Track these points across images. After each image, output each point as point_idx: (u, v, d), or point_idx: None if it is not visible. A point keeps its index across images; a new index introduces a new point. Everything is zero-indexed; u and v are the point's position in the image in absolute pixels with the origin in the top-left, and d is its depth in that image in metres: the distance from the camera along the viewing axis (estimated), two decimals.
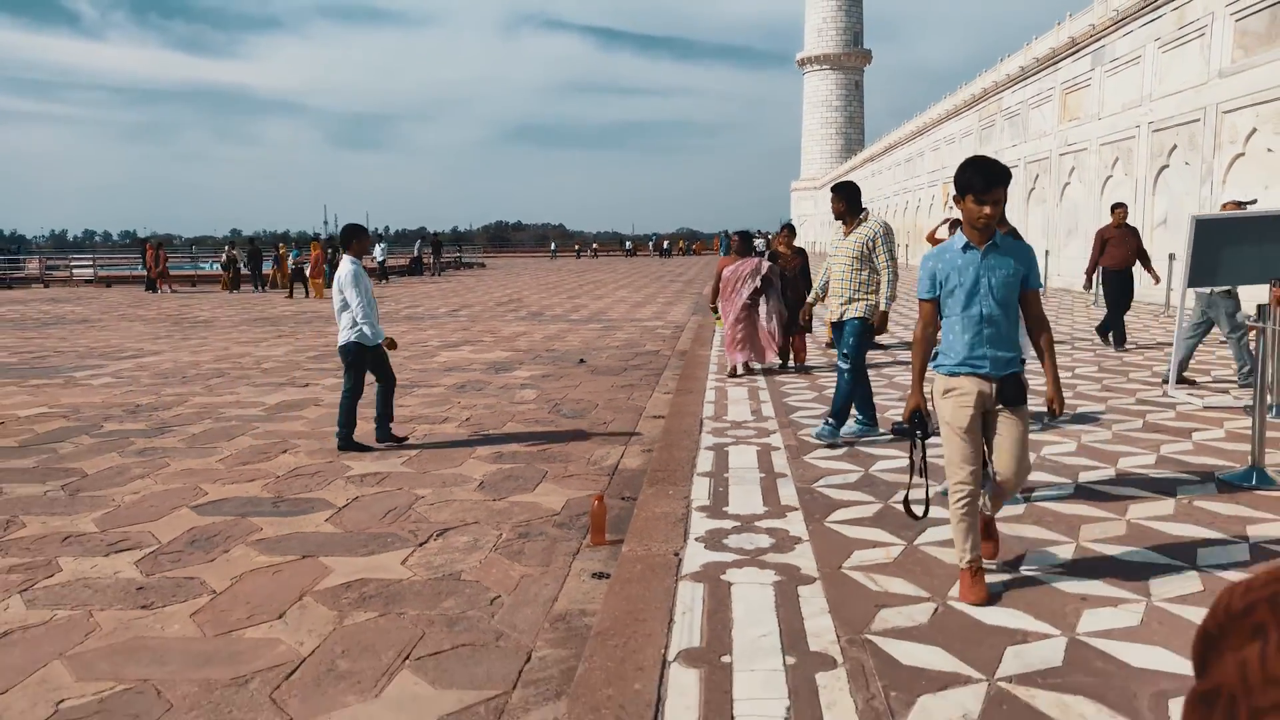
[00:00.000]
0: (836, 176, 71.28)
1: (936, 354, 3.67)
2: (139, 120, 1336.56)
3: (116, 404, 9.01)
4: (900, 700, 2.76)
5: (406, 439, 7.09)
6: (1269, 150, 13.57)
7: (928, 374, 3.74)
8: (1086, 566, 3.92)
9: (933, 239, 11.30)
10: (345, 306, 6.69)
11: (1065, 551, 4.11)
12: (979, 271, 3.48)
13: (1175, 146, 16.57)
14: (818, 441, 6.21)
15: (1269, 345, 5.38)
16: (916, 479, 3.73)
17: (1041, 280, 5.20)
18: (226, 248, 32.77)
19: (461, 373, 10.96)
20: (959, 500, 3.52)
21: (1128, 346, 11.10)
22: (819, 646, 3.13)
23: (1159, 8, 17.05)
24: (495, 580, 4.25)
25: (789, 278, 10.13)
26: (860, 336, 6.36)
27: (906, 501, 3.82)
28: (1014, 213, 25.20)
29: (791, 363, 10.13)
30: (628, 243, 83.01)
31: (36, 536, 4.96)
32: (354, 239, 6.92)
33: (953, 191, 3.59)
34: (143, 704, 3.16)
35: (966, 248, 3.53)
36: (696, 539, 4.32)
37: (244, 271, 30.40)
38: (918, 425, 3.67)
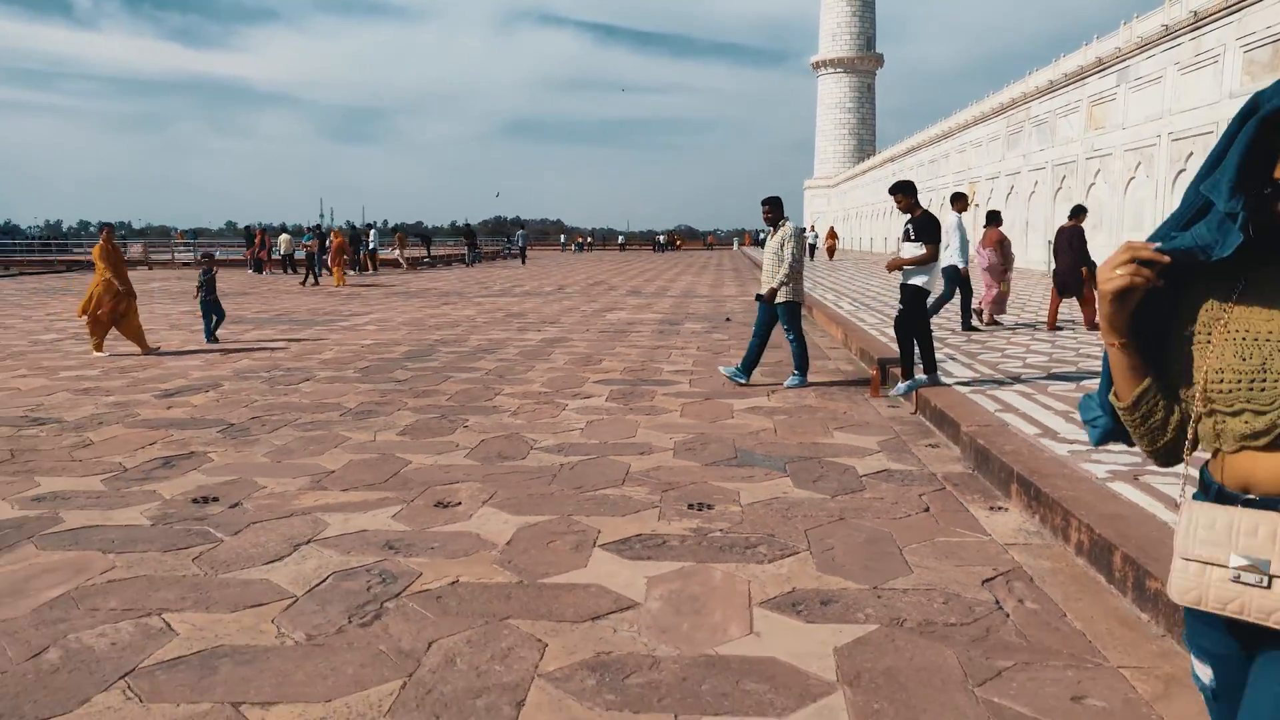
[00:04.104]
0: (851, 176, 74.42)
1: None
2: (133, 111, 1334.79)
3: (417, 339, 12.07)
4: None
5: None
6: None
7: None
8: None
9: None
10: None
11: None
12: None
13: (1191, 154, 19.72)
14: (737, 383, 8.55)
15: None
16: None
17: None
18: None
19: (646, 326, 14.01)
20: None
21: None
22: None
23: (1178, 36, 20.20)
24: (836, 407, 7.32)
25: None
26: (788, 315, 8.21)
27: None
28: (1041, 210, 28.38)
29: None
30: (620, 237, 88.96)
31: (520, 393, 8.03)
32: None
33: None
34: (711, 440, 6.21)
35: None
36: (954, 384, 7.44)
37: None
38: None
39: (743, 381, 8.32)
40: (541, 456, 5.76)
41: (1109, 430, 1.48)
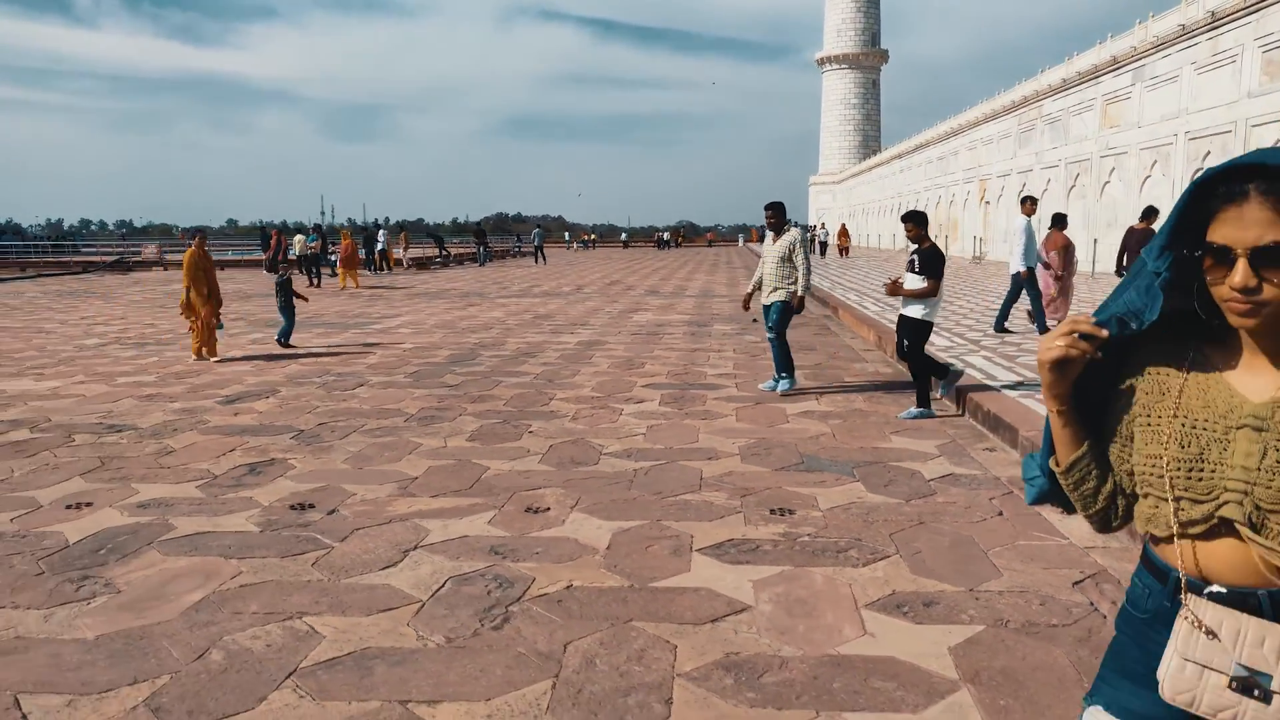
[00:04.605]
0: (857, 173, 74.52)
1: None
2: (133, 109, 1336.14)
3: (456, 342, 12.27)
4: None
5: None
6: None
7: None
8: None
9: None
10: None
11: None
12: None
13: (1209, 153, 19.87)
14: (775, 392, 8.28)
15: None
16: None
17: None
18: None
19: (675, 328, 14.20)
20: None
21: None
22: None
23: (1195, 36, 20.34)
24: (887, 411, 7.49)
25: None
26: (782, 314, 8.30)
27: None
28: (1055, 207, 28.56)
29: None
30: (623, 234, 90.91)
31: (574, 398, 8.22)
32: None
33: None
34: (773, 445, 6.41)
35: None
36: (1001, 388, 7.63)
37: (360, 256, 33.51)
38: None
39: (791, 387, 8.33)
40: (613, 462, 5.95)
41: (1044, 491, 1.49)
